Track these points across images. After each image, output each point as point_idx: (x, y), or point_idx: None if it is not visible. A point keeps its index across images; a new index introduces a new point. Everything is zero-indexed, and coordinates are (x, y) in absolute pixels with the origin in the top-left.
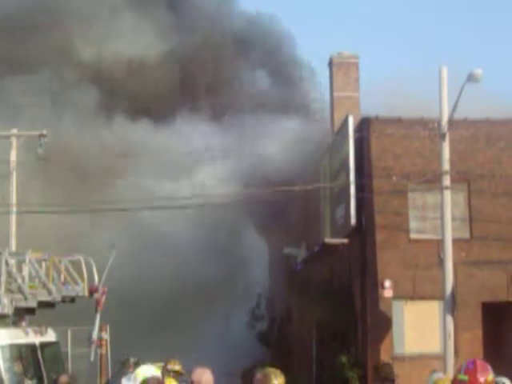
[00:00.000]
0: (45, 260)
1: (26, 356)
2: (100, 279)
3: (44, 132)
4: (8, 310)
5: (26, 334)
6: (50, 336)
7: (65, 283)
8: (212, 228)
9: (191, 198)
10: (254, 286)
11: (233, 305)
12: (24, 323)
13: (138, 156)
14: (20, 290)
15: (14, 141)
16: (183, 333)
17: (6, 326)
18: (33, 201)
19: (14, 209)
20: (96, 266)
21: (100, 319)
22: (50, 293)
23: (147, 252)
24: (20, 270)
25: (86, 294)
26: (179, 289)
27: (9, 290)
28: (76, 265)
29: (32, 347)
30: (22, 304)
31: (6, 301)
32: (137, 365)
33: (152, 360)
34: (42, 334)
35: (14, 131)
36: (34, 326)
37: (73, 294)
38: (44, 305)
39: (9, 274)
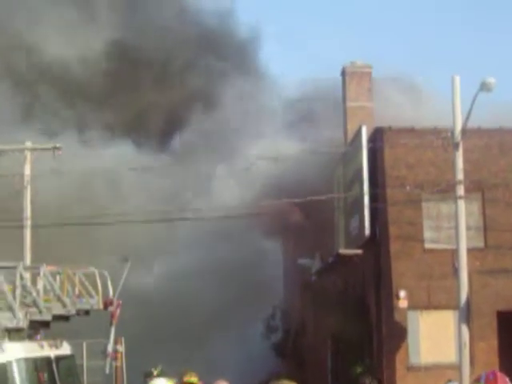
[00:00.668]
0: (59, 273)
1: (41, 369)
2: (114, 292)
3: (58, 145)
4: (23, 323)
5: (41, 347)
6: (65, 349)
7: (79, 296)
8: (227, 240)
9: (203, 210)
10: (269, 297)
11: (248, 317)
12: (39, 337)
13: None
14: (35, 304)
15: (28, 154)
16: (198, 345)
17: (21, 339)
18: (48, 214)
19: (29, 222)
20: (110, 278)
21: (115, 332)
22: (64, 306)
23: (163, 264)
24: (35, 283)
25: (101, 307)
26: (194, 302)
27: (24, 304)
28: (90, 278)
29: (47, 360)
30: (37, 317)
31: (20, 315)
32: (160, 375)
33: (167, 372)
34: (57, 347)
35: (28, 144)
36: (49, 339)
37: (87, 307)
38: (58, 318)
39: (23, 287)
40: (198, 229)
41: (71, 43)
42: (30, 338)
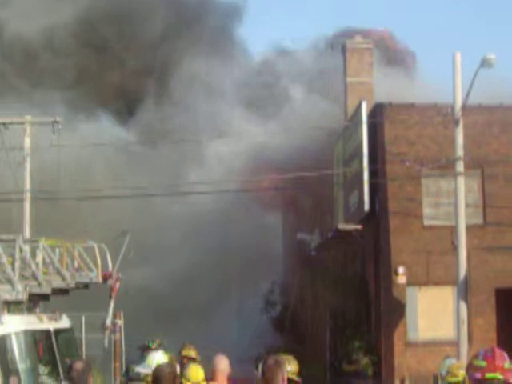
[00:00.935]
0: (58, 246)
1: (40, 342)
2: (114, 265)
3: (58, 118)
4: (22, 296)
5: (41, 320)
6: (65, 322)
7: (78, 270)
8: (225, 214)
9: (198, 183)
10: (268, 272)
11: (247, 291)
12: (38, 309)
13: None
14: (34, 277)
15: (27, 127)
16: (197, 319)
17: (20, 312)
18: (47, 187)
19: (28, 195)
20: (110, 252)
21: (114, 305)
22: (63, 279)
23: (163, 236)
24: (34, 256)
25: (100, 280)
26: (192, 275)
27: (23, 277)
28: (90, 251)
29: (46, 333)
30: (37, 290)
31: (20, 287)
32: (157, 349)
33: (166, 346)
34: (56, 320)
35: (28, 118)
36: (48, 312)
37: (86, 280)
38: (58, 291)
39: (23, 260)
40: (196, 204)
41: (35, 20)
42: (30, 311)
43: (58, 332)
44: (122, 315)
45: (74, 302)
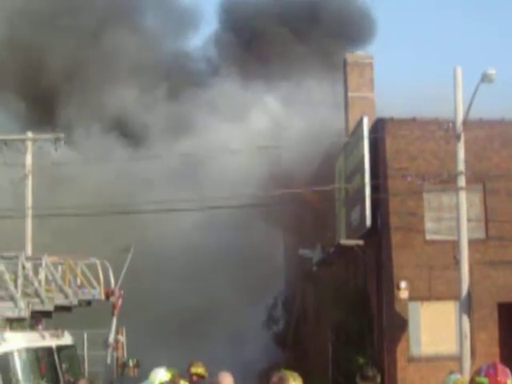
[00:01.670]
0: (61, 264)
1: (42, 359)
2: (116, 282)
3: (60, 135)
4: (25, 313)
5: (43, 337)
6: (67, 339)
7: (81, 287)
8: (227, 229)
9: (200, 200)
10: (270, 287)
11: (250, 307)
12: (40, 327)
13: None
14: (37, 294)
15: (29, 144)
16: (199, 335)
17: (22, 329)
18: (49, 204)
19: (30, 212)
20: (112, 269)
21: (117, 322)
22: (66, 296)
23: (164, 254)
24: (36, 273)
25: (103, 297)
26: (196, 291)
27: (25, 294)
28: (92, 268)
29: (49, 350)
30: (39, 307)
31: (22, 304)
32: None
33: (169, 362)
34: (58, 337)
35: (29, 134)
36: (50, 329)
37: (89, 297)
38: (61, 308)
39: (25, 277)
40: (197, 218)
41: None
42: (32, 328)
43: (60, 349)
44: (124, 331)
45: (76, 319)
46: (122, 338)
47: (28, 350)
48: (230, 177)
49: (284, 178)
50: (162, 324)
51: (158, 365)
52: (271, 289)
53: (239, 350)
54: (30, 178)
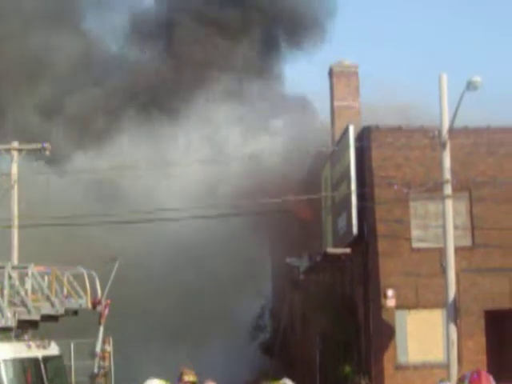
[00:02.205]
0: (47, 274)
1: (29, 370)
2: (103, 292)
3: (45, 145)
4: (11, 322)
5: (29, 347)
6: (53, 349)
7: (67, 297)
8: (215, 239)
9: (187, 209)
10: (257, 295)
11: (236, 315)
12: (27, 337)
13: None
14: (23, 303)
15: (15, 154)
16: (186, 344)
17: (8, 339)
18: (35, 213)
19: (16, 222)
20: (99, 278)
21: (104, 332)
22: (53, 306)
23: (152, 262)
24: (23, 283)
25: (89, 306)
26: (181, 300)
27: (12, 303)
28: (79, 278)
29: (35, 361)
30: (26, 317)
31: (9, 314)
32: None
33: (155, 372)
34: (44, 347)
35: (15, 144)
36: (36, 339)
37: (76, 306)
38: (47, 318)
39: (12, 287)
40: (179, 231)
41: None
42: (18, 338)
43: (46, 359)
44: (111, 341)
45: (63, 330)
46: (109, 348)
47: (14, 361)
48: (214, 187)
49: (271, 186)
50: (149, 333)
51: (146, 374)
52: (258, 297)
53: (227, 358)
54: (16, 187)
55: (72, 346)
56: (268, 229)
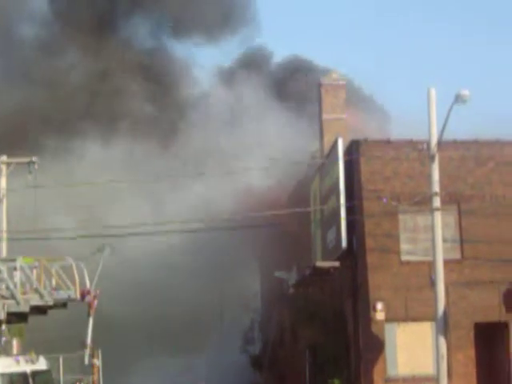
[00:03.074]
0: (36, 267)
1: None
2: (91, 283)
3: (34, 159)
4: (0, 315)
5: (17, 362)
6: (42, 364)
7: (56, 289)
8: (202, 252)
9: (176, 223)
10: (246, 310)
11: (225, 330)
12: (15, 351)
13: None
14: (12, 296)
15: (3, 168)
16: (175, 357)
17: None
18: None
19: (5, 235)
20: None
21: (91, 342)
22: (41, 297)
23: (138, 277)
24: (11, 276)
25: (78, 297)
26: (169, 313)
27: (1, 296)
28: (67, 271)
29: (23, 376)
30: (15, 309)
31: None
32: None
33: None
34: (33, 362)
35: (4, 158)
36: (25, 353)
37: (65, 297)
38: (36, 311)
39: (0, 279)
40: (172, 241)
41: None
42: (6, 353)
43: (35, 374)
44: (100, 355)
45: (52, 324)
46: (98, 362)
47: (3, 376)
48: (203, 201)
49: (259, 200)
50: (138, 346)
51: None
52: (247, 311)
53: (216, 371)
54: (5, 201)
55: (61, 360)
56: (257, 242)
